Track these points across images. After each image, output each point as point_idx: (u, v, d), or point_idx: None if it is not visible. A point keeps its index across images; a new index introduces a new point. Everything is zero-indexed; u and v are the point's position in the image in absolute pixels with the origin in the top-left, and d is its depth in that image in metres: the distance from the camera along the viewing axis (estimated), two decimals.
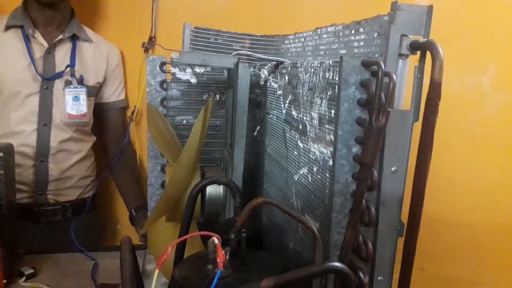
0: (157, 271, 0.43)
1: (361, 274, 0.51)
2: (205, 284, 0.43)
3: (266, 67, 0.95)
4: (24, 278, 1.09)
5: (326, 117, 0.57)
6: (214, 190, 0.85)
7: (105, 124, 1.49)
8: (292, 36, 1.03)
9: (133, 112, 1.49)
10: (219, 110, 1.13)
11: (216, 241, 0.44)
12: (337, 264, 0.41)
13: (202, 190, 0.75)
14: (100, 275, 1.13)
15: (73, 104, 1.32)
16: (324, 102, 0.58)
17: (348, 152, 0.50)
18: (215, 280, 0.42)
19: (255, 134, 1.09)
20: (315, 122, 0.62)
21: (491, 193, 1.20)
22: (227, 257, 0.48)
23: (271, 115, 0.92)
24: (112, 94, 1.46)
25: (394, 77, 0.45)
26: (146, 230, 0.73)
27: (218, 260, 0.43)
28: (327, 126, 0.57)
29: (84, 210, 1.39)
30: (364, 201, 0.50)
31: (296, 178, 0.73)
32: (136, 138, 1.52)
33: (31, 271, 1.11)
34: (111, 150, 1.49)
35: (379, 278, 0.58)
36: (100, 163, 1.50)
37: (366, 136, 0.46)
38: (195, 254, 0.55)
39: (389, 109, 0.45)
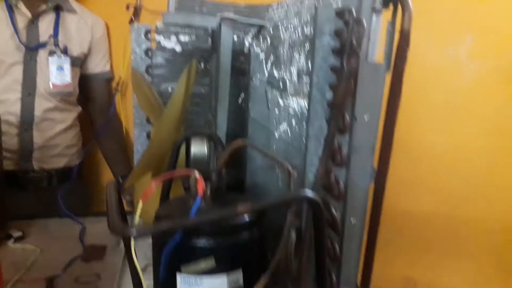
0: (140, 202, 0.47)
1: (333, 210, 0.55)
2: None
3: (250, 33, 0.97)
4: (12, 240, 1.11)
5: (304, 70, 0.61)
6: (198, 150, 0.88)
7: (90, 95, 1.50)
8: (276, 5, 1.06)
9: (118, 83, 1.51)
10: (204, 78, 1.16)
11: (197, 175, 0.48)
12: (309, 193, 0.45)
13: (187, 150, 0.79)
14: (87, 238, 1.16)
15: (57, 74, 1.34)
16: (302, 56, 0.61)
17: (323, 98, 0.53)
18: (194, 207, 0.45)
19: (239, 102, 1.12)
20: (294, 77, 0.65)
21: (467, 159, 1.26)
22: (208, 190, 0.51)
23: (254, 80, 0.95)
24: (97, 65, 1.47)
25: (365, 22, 0.48)
26: (130, 186, 0.76)
27: (198, 188, 0.47)
28: (304, 78, 0.60)
29: (71, 178, 1.41)
30: (336, 142, 0.54)
31: (277, 136, 0.76)
32: (122, 109, 1.54)
33: (20, 233, 1.14)
34: (97, 120, 1.51)
35: (351, 219, 0.62)
36: (86, 133, 1.52)
37: (337, 78, 0.49)
38: (178, 196, 0.59)
39: (358, 51, 0.48)
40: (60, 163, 1.43)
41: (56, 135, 1.40)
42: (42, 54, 1.33)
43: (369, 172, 0.61)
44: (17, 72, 1.31)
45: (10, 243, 1.10)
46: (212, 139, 0.61)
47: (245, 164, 1.00)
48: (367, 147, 0.60)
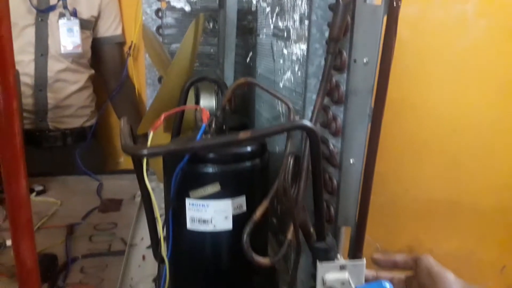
0: (151, 133, 0.51)
1: (331, 145, 0.59)
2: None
3: None
4: (34, 193, 1.18)
5: (305, 15, 0.63)
6: (207, 102, 0.92)
7: (103, 59, 1.55)
8: None
9: (130, 47, 1.54)
10: (212, 38, 1.19)
11: (202, 107, 0.52)
12: (306, 121, 0.48)
13: (196, 95, 0.83)
14: (104, 193, 1.23)
15: (67, 36, 1.39)
16: (304, 1, 0.63)
17: (321, 36, 0.56)
18: (200, 132, 0.49)
19: (247, 61, 1.15)
20: (297, 23, 0.68)
21: (473, 118, 1.27)
22: (213, 124, 0.55)
23: (261, 36, 0.97)
24: (108, 29, 1.51)
25: None
26: (141, 132, 0.79)
27: (203, 116, 0.51)
28: (306, 22, 0.63)
29: (86, 138, 1.48)
30: (334, 80, 0.57)
31: (281, 86, 0.80)
32: (134, 74, 1.58)
33: (41, 188, 1.21)
34: (110, 83, 1.56)
35: (350, 160, 0.66)
36: (101, 96, 1.57)
37: (334, 13, 0.52)
38: (186, 136, 0.63)
39: None
40: (75, 123, 1.50)
41: (70, 96, 1.46)
42: (52, 16, 1.38)
43: (368, 114, 0.65)
44: (30, 34, 1.37)
45: (32, 196, 1.17)
46: (218, 84, 0.65)
47: (253, 119, 1.04)
48: (365, 89, 0.62)
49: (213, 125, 0.57)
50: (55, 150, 1.46)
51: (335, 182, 0.62)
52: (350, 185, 0.67)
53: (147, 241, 0.89)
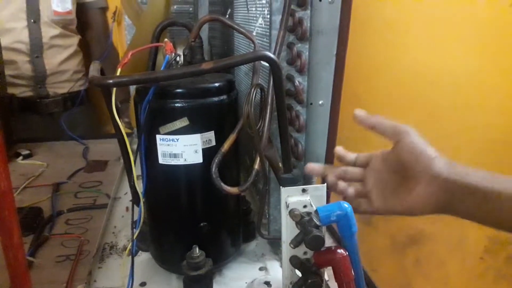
0: (119, 69, 0.52)
1: (297, 82, 0.61)
2: None
3: None
4: (21, 157, 1.20)
5: None
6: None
7: (87, 25, 1.55)
8: None
9: (115, 13, 1.54)
10: None
11: (167, 40, 0.53)
12: (267, 52, 0.50)
13: None
14: (91, 156, 1.25)
15: (58, 1, 1.39)
16: None
17: None
18: (164, 63, 0.51)
19: (226, 17, 1.16)
20: None
21: (449, 69, 1.28)
22: (180, 59, 0.57)
23: None
24: None
25: None
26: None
27: (166, 48, 0.52)
28: None
29: (78, 102, 1.50)
30: (297, 16, 0.59)
31: (255, 33, 0.81)
32: (119, 41, 1.58)
33: (27, 152, 1.22)
34: (95, 50, 1.56)
35: (320, 101, 0.68)
36: (87, 62, 1.58)
37: None
38: None
39: None
40: (72, 87, 1.51)
41: (65, 61, 1.47)
42: None
43: (333, 54, 0.66)
44: (20, 0, 1.35)
45: (19, 160, 1.19)
46: (187, 27, 0.66)
47: (235, 75, 1.05)
48: (331, 28, 0.64)
49: (180, 63, 0.58)
50: (55, 115, 1.48)
51: (302, 120, 0.64)
52: (319, 124, 0.69)
53: (131, 195, 0.92)
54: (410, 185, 0.52)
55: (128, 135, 1.32)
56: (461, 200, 0.49)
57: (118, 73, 0.54)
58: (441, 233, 1.50)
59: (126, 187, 1.01)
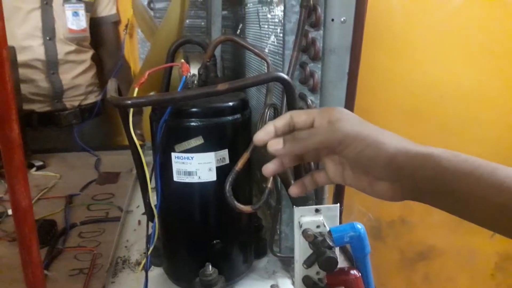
0: (136, 89, 0.54)
1: (309, 101, 0.62)
2: None
3: None
4: (35, 168, 1.22)
5: None
6: (194, 71, 0.94)
7: (100, 40, 1.58)
8: None
9: (127, 25, 1.57)
10: (203, 12, 1.21)
11: (183, 60, 0.55)
12: (281, 74, 0.51)
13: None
14: (103, 167, 1.26)
15: (73, 19, 1.42)
16: None
17: None
18: (181, 84, 0.52)
19: (238, 32, 1.18)
20: None
21: (459, 83, 1.28)
22: (195, 79, 0.58)
23: (248, 5, 1.00)
24: (105, 8, 1.54)
25: None
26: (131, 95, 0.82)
27: (183, 69, 0.54)
28: None
29: (95, 112, 1.53)
30: (310, 37, 0.60)
31: (267, 50, 0.82)
32: (130, 52, 1.60)
33: (41, 163, 1.24)
34: (107, 62, 1.59)
35: None
36: (101, 74, 1.61)
37: None
38: None
39: None
40: (86, 99, 1.55)
41: (79, 75, 1.50)
42: (57, 0, 1.40)
43: (346, 72, 0.67)
44: (36, 18, 1.39)
45: (33, 171, 1.21)
46: (201, 45, 0.67)
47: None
48: (343, 47, 0.65)
49: (195, 82, 0.60)
50: (72, 129, 1.51)
51: None
52: None
53: (143, 208, 0.93)
54: (370, 178, 0.47)
55: (140, 146, 1.35)
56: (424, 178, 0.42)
57: (135, 93, 0.55)
58: (451, 249, 1.49)
59: (138, 200, 1.02)
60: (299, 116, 0.49)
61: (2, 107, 0.41)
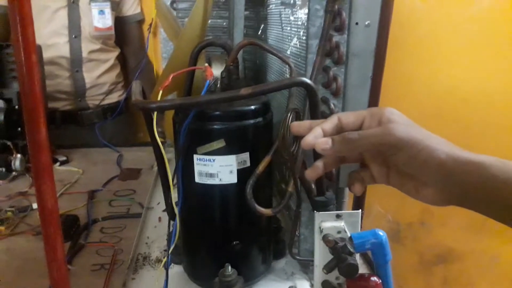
0: (160, 91, 0.54)
1: (332, 105, 0.61)
2: None
3: None
4: (58, 163, 1.25)
5: None
6: (218, 72, 0.95)
7: (124, 39, 1.60)
8: None
9: (150, 24, 1.59)
10: (225, 12, 1.21)
11: (207, 64, 0.55)
12: (304, 78, 0.51)
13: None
14: (125, 164, 1.28)
15: (99, 17, 1.45)
16: None
17: None
18: (204, 88, 0.53)
19: (259, 33, 1.18)
20: None
21: (483, 86, 1.26)
22: (218, 83, 0.59)
23: (270, 6, 0.99)
24: (130, 8, 1.56)
25: None
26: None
27: (207, 74, 0.54)
28: None
29: (117, 112, 1.55)
30: (334, 41, 0.59)
31: (289, 52, 0.82)
32: (153, 52, 1.62)
33: (64, 158, 1.27)
34: (131, 61, 1.61)
35: None
36: (125, 73, 1.63)
37: None
38: None
39: None
40: (110, 98, 1.58)
41: (102, 74, 1.53)
42: None
43: (370, 76, 0.67)
44: (63, 17, 1.42)
45: (56, 166, 1.24)
46: (224, 47, 0.67)
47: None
48: (367, 51, 0.64)
49: (219, 86, 0.60)
50: (94, 127, 1.54)
51: None
52: None
53: (163, 205, 0.94)
54: (417, 183, 0.47)
55: (162, 144, 1.37)
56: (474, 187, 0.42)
57: (159, 96, 0.56)
58: (472, 252, 1.47)
59: (158, 197, 1.04)
60: (348, 118, 0.49)
61: (31, 110, 0.42)
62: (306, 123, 0.50)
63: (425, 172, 0.45)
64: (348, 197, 0.75)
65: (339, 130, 0.49)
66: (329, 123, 0.49)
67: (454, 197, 0.44)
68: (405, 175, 0.47)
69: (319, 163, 0.52)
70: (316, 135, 0.48)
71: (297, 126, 0.51)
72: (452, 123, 1.31)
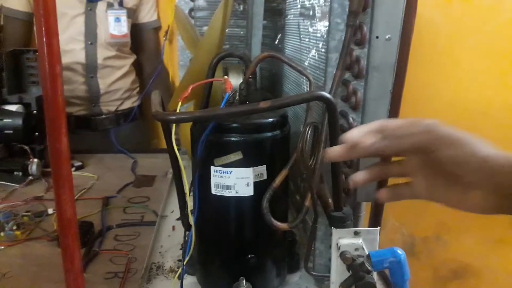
0: (180, 103, 0.54)
1: (351, 119, 0.61)
2: None
3: None
4: (73, 168, 1.26)
5: None
6: (235, 82, 0.95)
7: (140, 45, 1.62)
8: None
9: (167, 32, 1.60)
10: (242, 21, 1.21)
11: (226, 77, 0.55)
12: (324, 93, 0.51)
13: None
14: (139, 170, 1.29)
15: (115, 25, 1.46)
16: None
17: (343, 11, 0.58)
18: (224, 101, 0.53)
19: (276, 42, 1.18)
20: (322, 0, 0.70)
21: (502, 100, 1.24)
22: (237, 95, 0.59)
23: (289, 16, 0.99)
24: (146, 15, 1.57)
25: None
26: (172, 108, 0.84)
27: (226, 86, 0.54)
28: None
29: (130, 118, 1.56)
30: (354, 55, 0.59)
31: (307, 64, 0.82)
32: (169, 58, 1.63)
33: (80, 163, 1.28)
34: (146, 68, 1.63)
35: None
36: (140, 79, 1.65)
37: None
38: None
39: None
40: (123, 104, 1.58)
41: (117, 81, 1.54)
42: (100, 6, 1.45)
43: (389, 90, 0.66)
44: (79, 23, 1.44)
45: (72, 171, 1.25)
46: (243, 59, 0.67)
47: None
48: (387, 65, 0.64)
49: (237, 97, 0.60)
50: (109, 132, 1.55)
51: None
52: (370, 159, 0.69)
53: (177, 213, 0.94)
54: (462, 187, 0.46)
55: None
56: None
57: (178, 107, 0.56)
58: (487, 269, 1.44)
59: (172, 205, 1.04)
60: (389, 122, 0.50)
61: (54, 120, 0.43)
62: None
63: (469, 168, 0.44)
64: (365, 212, 0.74)
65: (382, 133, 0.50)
66: (372, 125, 0.51)
67: (503, 199, 0.43)
68: (449, 181, 0.46)
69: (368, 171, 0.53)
70: (360, 131, 0.49)
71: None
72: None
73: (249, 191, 0.59)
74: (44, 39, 0.42)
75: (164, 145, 0.58)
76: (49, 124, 0.43)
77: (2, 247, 0.84)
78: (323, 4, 0.68)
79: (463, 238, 1.44)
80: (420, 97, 1.29)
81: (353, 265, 0.50)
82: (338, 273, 0.52)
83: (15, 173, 1.14)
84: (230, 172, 0.58)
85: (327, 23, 0.67)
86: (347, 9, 0.58)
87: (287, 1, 0.99)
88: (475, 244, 1.43)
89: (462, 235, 1.44)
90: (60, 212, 0.47)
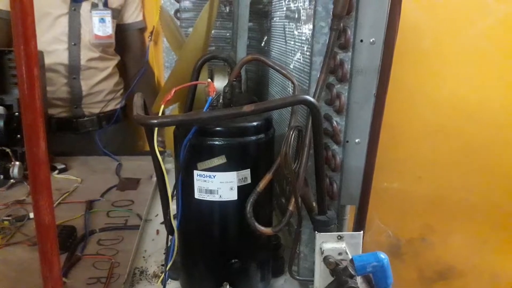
0: (162, 106, 0.54)
1: (335, 122, 0.61)
2: None
3: None
4: (57, 171, 1.24)
5: None
6: (220, 84, 0.94)
7: (125, 46, 1.59)
8: None
9: (152, 32, 1.58)
10: (228, 23, 1.21)
11: (209, 80, 0.55)
12: (307, 97, 0.50)
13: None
14: (123, 173, 1.27)
15: (99, 25, 1.44)
16: None
17: (327, 15, 0.58)
18: (206, 105, 0.52)
19: (262, 44, 1.17)
20: (306, 3, 0.69)
21: (488, 103, 1.26)
22: (220, 98, 0.58)
23: (275, 18, 0.99)
24: (131, 15, 1.55)
25: None
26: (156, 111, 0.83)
27: (210, 90, 0.53)
28: (314, 1, 0.65)
29: (113, 120, 1.54)
30: (338, 58, 0.59)
31: (292, 66, 0.82)
32: (154, 58, 1.61)
33: (63, 166, 1.26)
34: (131, 69, 1.61)
35: (356, 139, 0.67)
36: (125, 81, 1.62)
37: None
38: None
39: None
40: (106, 106, 1.56)
41: (100, 82, 1.52)
42: (85, 6, 1.43)
43: (373, 93, 0.66)
44: (63, 24, 1.42)
45: (55, 174, 1.23)
46: (227, 61, 0.67)
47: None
48: (371, 69, 0.64)
49: (221, 101, 0.59)
50: (92, 134, 1.52)
51: (338, 159, 0.64)
52: (354, 163, 0.69)
53: (162, 217, 0.93)
54: None
55: (161, 153, 1.36)
56: None
57: (161, 110, 0.55)
58: (472, 270, 1.45)
59: (157, 209, 1.03)
60: None
61: (31, 126, 0.42)
62: None
63: None
64: (349, 215, 0.74)
65: None
66: None
67: None
68: None
69: None
70: None
71: None
72: (456, 139, 1.31)
73: (233, 196, 0.59)
74: (21, 41, 0.41)
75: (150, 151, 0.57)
76: (27, 128, 0.42)
77: None
78: (308, 7, 0.68)
79: (448, 239, 1.45)
80: (405, 100, 1.31)
81: (337, 269, 0.50)
82: (321, 277, 0.52)
83: None
84: (214, 177, 0.57)
85: (311, 26, 0.67)
86: (331, 12, 0.58)
87: (273, 3, 0.99)
88: (460, 246, 1.44)
89: (447, 237, 1.45)
90: (38, 219, 0.46)
